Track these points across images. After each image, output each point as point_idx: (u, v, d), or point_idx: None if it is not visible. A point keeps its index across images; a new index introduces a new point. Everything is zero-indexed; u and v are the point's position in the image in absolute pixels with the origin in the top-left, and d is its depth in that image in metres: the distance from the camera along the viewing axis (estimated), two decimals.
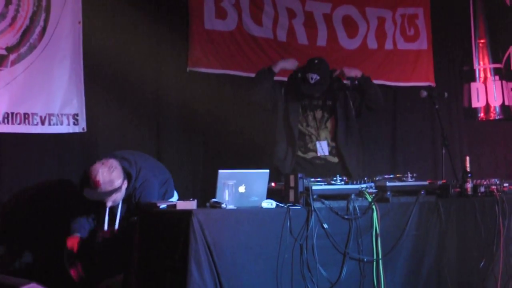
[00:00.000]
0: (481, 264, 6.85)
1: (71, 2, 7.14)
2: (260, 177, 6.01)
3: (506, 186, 7.24)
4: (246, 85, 7.44)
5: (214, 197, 5.68)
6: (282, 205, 5.80)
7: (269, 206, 5.79)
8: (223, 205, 5.57)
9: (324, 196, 6.02)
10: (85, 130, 7.18)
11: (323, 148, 7.37)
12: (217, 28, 8.07)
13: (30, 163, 7.02)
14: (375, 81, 8.57)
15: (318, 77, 7.20)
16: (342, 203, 6.09)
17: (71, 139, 7.15)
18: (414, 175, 6.88)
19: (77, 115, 7.14)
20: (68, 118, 7.11)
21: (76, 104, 7.15)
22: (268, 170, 6.07)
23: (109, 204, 6.29)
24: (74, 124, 7.14)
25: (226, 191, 5.68)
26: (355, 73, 7.49)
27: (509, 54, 10.18)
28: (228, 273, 5.40)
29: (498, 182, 7.20)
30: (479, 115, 9.96)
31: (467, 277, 6.95)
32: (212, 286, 5.34)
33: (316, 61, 7.50)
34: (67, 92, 7.10)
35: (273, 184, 6.15)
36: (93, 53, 7.23)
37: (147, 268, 5.81)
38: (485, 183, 7.14)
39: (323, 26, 8.88)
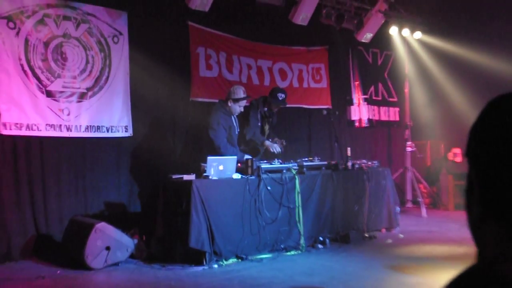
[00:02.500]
0: (355, 208, 7.57)
1: (123, 61, 7.40)
2: (231, 160, 6.55)
3: (370, 164, 7.97)
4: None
5: (205, 173, 6.31)
6: (244, 176, 6.51)
7: (237, 177, 6.49)
8: (210, 177, 6.27)
9: (268, 171, 6.68)
10: (132, 135, 7.46)
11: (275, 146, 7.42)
12: (207, 75, 8.33)
13: (100, 153, 7.24)
14: (298, 105, 9.35)
15: (284, 96, 7.53)
16: (279, 175, 6.75)
17: (123, 141, 7.43)
18: (319, 158, 7.55)
19: (127, 126, 7.43)
20: (122, 128, 7.39)
21: (126, 120, 7.41)
22: (235, 157, 6.65)
23: None
24: (125, 131, 7.42)
25: (212, 169, 6.28)
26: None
27: (371, 91, 10.84)
28: (213, 216, 6.05)
29: (365, 162, 7.95)
30: (355, 124, 10.51)
31: (347, 215, 7.50)
32: (204, 224, 5.95)
33: (280, 88, 8.00)
34: (121, 113, 7.37)
35: (239, 164, 6.64)
36: (135, 91, 7.46)
37: (167, 213, 6.32)
38: (358, 162, 7.86)
39: (267, 73, 9.15)
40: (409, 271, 5.71)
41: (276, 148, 7.34)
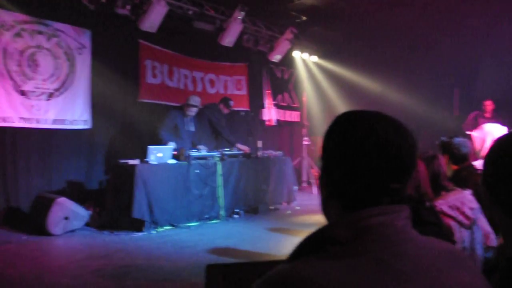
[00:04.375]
0: (263, 187, 7.53)
1: (86, 68, 7.08)
2: (168, 149, 6.41)
3: (275, 153, 7.97)
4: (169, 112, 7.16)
5: (146, 158, 6.14)
6: (178, 162, 6.41)
7: (173, 162, 6.37)
8: (150, 162, 6.12)
9: (197, 157, 6.60)
10: (91, 127, 7.15)
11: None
12: (152, 82, 8.05)
13: (64, 141, 6.90)
14: None
15: (233, 102, 7.76)
16: (205, 161, 6.69)
17: (83, 132, 7.09)
18: (236, 148, 7.44)
19: (87, 120, 7.11)
20: (82, 122, 7.07)
21: (86, 115, 7.11)
22: (172, 146, 6.50)
23: None
24: (85, 124, 7.09)
25: (152, 155, 6.13)
26: None
27: (279, 98, 10.71)
28: (152, 192, 5.94)
29: (272, 152, 7.93)
30: (266, 123, 10.34)
31: (257, 192, 7.46)
32: (145, 199, 5.83)
33: (229, 97, 7.99)
34: (82, 110, 7.07)
35: (175, 152, 6.48)
36: (96, 92, 7.14)
37: (116, 190, 6.09)
38: (266, 152, 7.82)
39: (200, 82, 8.92)
40: (302, 234, 5.76)
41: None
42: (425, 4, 7.82)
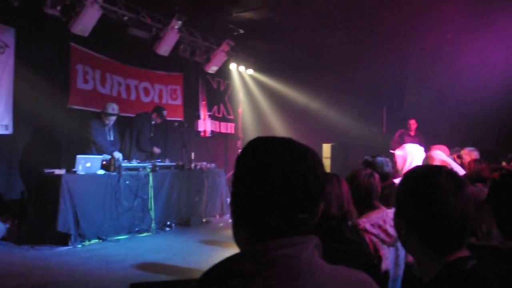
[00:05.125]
0: (196, 199, 7.48)
1: (7, 69, 6.58)
2: (97, 159, 6.18)
3: (208, 165, 7.91)
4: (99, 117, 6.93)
5: (74, 168, 5.87)
6: (107, 172, 6.17)
7: (101, 173, 6.13)
8: (78, 172, 5.85)
9: (128, 168, 6.44)
10: (12, 133, 6.67)
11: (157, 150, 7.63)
12: (83, 88, 7.74)
13: None
14: None
15: (166, 112, 7.64)
16: (136, 172, 6.53)
17: (3, 137, 6.59)
18: (170, 159, 7.40)
19: (7, 125, 6.64)
20: (2, 126, 6.58)
21: (7, 120, 6.61)
22: (101, 156, 6.28)
23: None
24: (5, 130, 6.61)
25: (80, 165, 5.88)
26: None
27: (214, 109, 10.64)
28: (79, 204, 5.67)
29: (205, 164, 7.87)
30: (201, 134, 10.25)
31: (190, 204, 7.39)
32: (71, 211, 5.56)
33: (162, 106, 7.95)
34: (2, 114, 6.55)
35: (104, 162, 6.24)
36: (19, 95, 6.67)
37: (39, 201, 5.74)
38: (199, 164, 7.72)
39: (134, 90, 8.73)
40: (234, 247, 5.72)
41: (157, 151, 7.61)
42: (352, 26, 8.18)
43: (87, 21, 6.77)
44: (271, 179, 0.87)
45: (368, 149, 9.24)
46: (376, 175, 2.56)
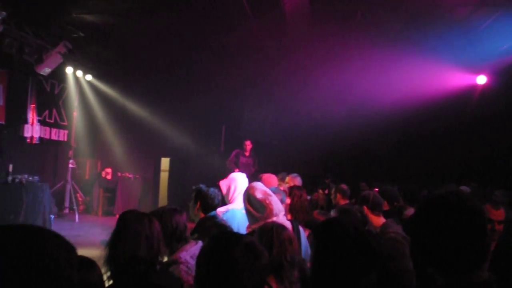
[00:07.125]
0: (11, 217, 6.52)
1: None
2: None
3: (30, 179, 6.99)
4: None
5: None
6: None
7: None
8: None
9: None
10: None
11: None
12: None
13: None
14: None
15: None
16: None
17: None
18: None
19: None
20: None
21: None
22: None
23: None
24: None
25: None
26: None
27: (45, 114, 9.56)
28: None
29: (26, 177, 6.89)
30: (27, 140, 9.05)
31: (2, 223, 6.40)
32: None
33: None
34: None
35: None
36: None
37: None
38: (19, 177, 6.77)
39: None
40: None
41: None
42: (201, 44, 8.15)
43: None
44: None
45: (206, 166, 9.41)
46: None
